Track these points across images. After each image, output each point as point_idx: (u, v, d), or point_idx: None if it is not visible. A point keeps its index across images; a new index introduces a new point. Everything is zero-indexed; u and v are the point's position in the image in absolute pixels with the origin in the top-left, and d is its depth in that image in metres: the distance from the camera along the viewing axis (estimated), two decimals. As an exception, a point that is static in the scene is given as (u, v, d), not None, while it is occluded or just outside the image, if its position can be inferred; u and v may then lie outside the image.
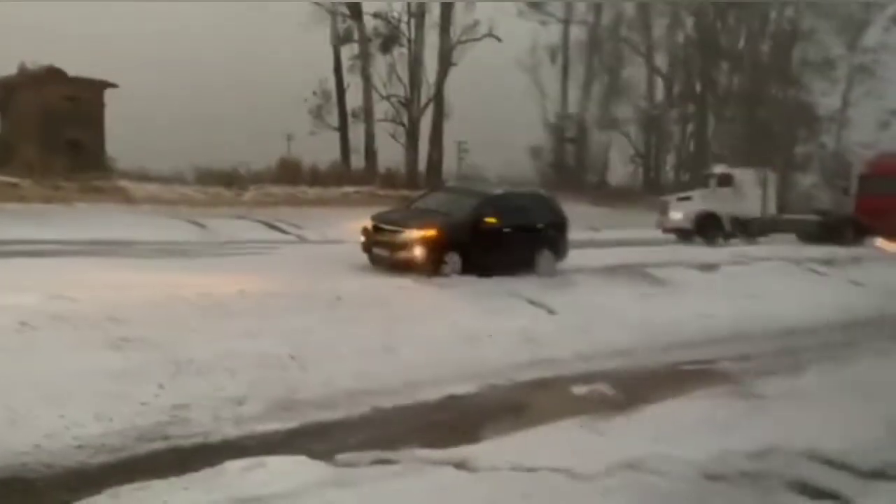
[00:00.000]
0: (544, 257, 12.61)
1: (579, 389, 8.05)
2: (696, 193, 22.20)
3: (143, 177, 22.81)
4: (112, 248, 12.91)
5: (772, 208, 22.58)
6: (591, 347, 9.58)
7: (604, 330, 10.16)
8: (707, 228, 20.95)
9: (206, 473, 5.21)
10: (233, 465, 5.29)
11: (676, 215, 21.34)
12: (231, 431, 6.15)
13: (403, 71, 30.73)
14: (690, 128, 39.49)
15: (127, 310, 7.83)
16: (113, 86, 24.75)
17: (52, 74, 23.75)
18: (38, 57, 23.78)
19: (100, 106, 24.85)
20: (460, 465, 5.62)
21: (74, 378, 6.31)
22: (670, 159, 40.21)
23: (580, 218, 14.00)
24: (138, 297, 8.38)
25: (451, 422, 6.97)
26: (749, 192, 21.85)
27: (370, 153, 29.97)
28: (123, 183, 21.44)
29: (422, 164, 30.97)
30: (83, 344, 6.99)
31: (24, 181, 19.13)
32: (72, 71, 24.05)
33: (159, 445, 5.77)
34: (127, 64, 25.10)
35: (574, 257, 13.23)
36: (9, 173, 19.39)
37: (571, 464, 5.55)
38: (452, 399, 7.50)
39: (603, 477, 5.39)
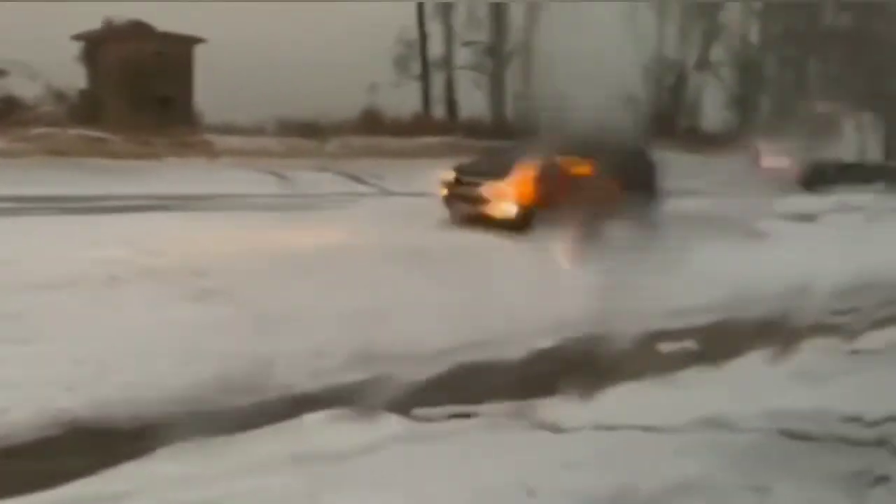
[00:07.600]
0: (636, 207, 12.07)
1: (665, 346, 7.77)
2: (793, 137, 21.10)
3: (229, 130, 23.16)
4: (199, 202, 13.17)
5: (876, 154, 21.36)
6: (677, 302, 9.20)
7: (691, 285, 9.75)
8: (807, 175, 19.99)
9: (285, 426, 5.23)
10: (311, 418, 5.30)
11: (773, 161, 20.38)
12: (311, 384, 6.13)
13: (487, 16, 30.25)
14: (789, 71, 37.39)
15: (210, 263, 7.95)
16: (202, 41, 24.99)
17: (139, 29, 24.05)
18: (124, 11, 24.11)
19: (189, 61, 25.15)
20: (541, 422, 5.50)
21: (159, 330, 6.44)
22: (767, 103, 38.24)
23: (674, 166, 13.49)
24: (221, 250, 8.50)
25: (533, 377, 6.84)
26: (851, 137, 20.74)
27: (452, 102, 29.66)
28: (210, 137, 21.82)
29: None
30: (168, 297, 7.14)
31: (115, 136, 19.63)
32: (160, 26, 24.39)
33: (239, 398, 5.80)
34: (213, 16, 25.18)
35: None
36: (98, 128, 19.92)
37: (652, 420, 5.38)
38: (535, 353, 7.32)
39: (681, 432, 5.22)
